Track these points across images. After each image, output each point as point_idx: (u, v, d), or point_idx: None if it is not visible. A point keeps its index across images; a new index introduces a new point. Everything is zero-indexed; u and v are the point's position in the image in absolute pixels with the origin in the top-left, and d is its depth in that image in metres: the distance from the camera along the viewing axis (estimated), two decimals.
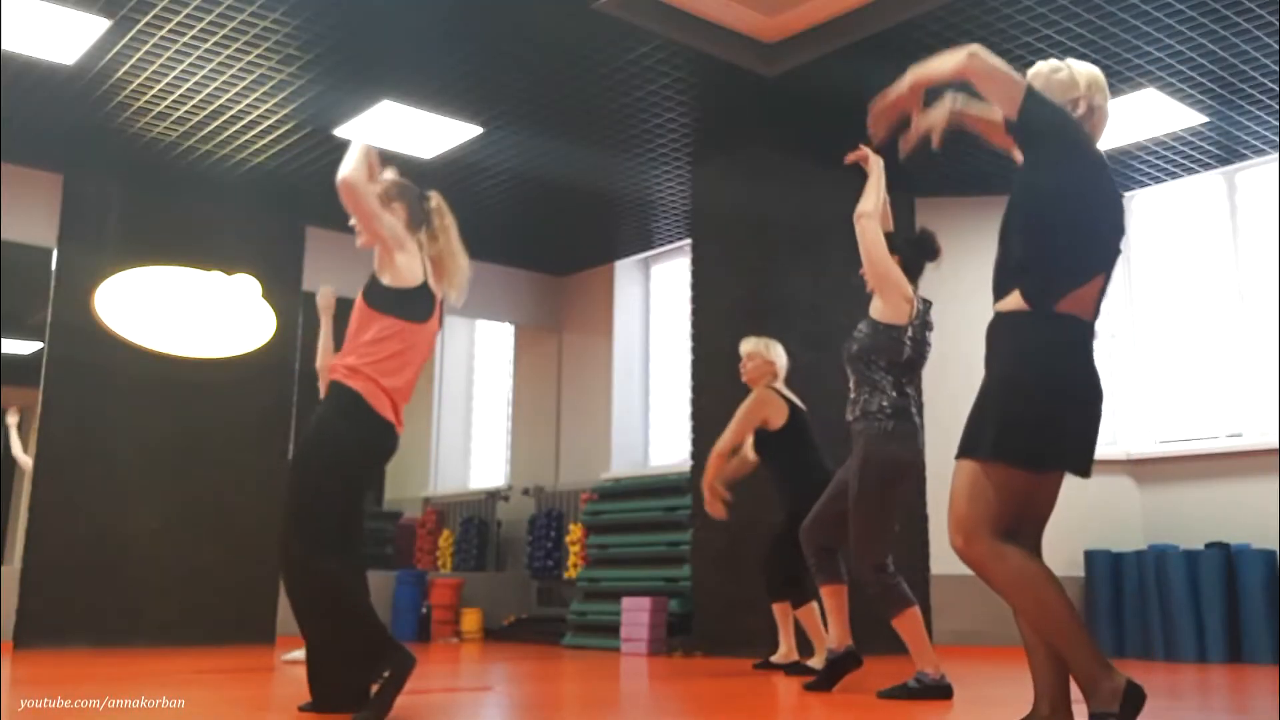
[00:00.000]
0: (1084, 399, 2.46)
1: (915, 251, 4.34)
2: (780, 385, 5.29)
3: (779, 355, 5.31)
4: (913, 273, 4.30)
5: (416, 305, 3.37)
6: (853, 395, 4.23)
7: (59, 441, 6.78)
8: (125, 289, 7.12)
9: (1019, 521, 2.48)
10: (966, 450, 2.47)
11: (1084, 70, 2.69)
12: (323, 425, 3.28)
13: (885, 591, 4.03)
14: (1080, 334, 2.49)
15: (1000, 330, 2.54)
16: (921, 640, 3.98)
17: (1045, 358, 2.44)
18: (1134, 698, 2.29)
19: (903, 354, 4.12)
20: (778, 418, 5.18)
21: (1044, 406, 2.41)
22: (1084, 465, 2.47)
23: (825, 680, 4.32)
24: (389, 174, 3.55)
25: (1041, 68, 2.72)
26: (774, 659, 5.45)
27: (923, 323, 4.20)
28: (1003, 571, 2.39)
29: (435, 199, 3.57)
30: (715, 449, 5.16)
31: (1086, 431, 2.47)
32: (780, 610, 5.35)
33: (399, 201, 3.46)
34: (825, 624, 5.16)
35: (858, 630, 4.52)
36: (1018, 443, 2.40)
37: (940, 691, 3.91)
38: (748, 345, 5.36)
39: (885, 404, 4.11)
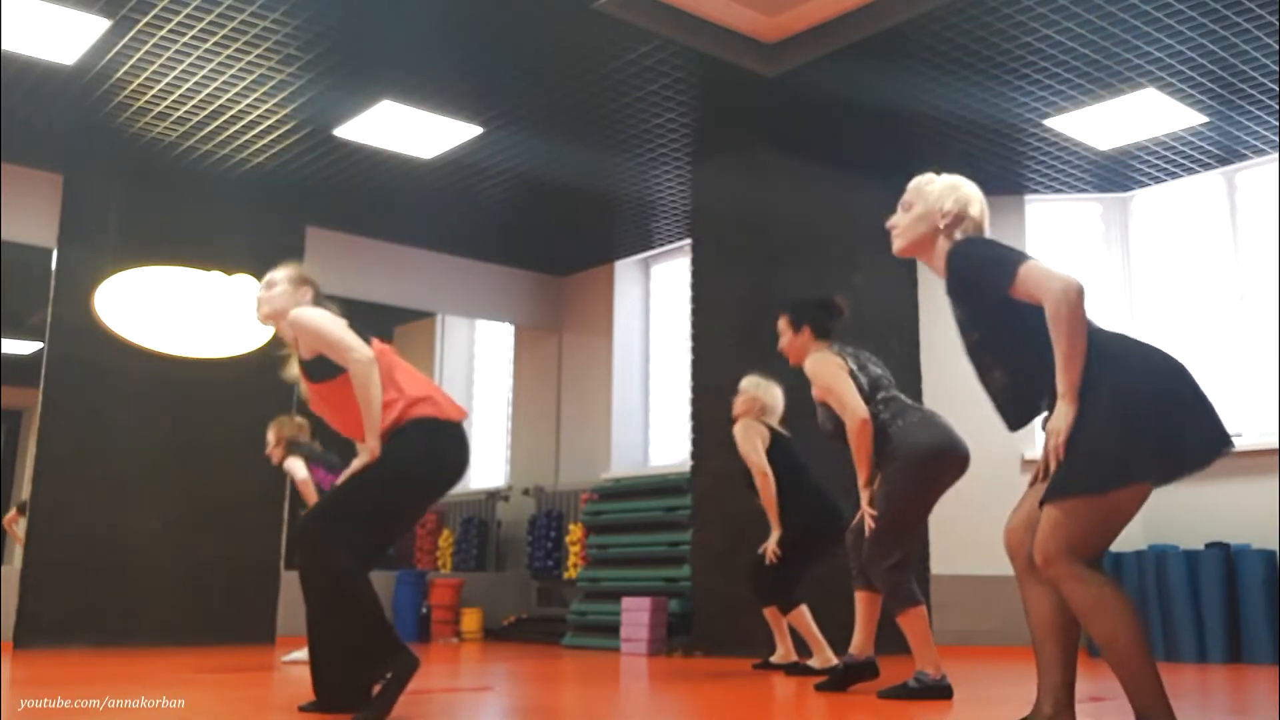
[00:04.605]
0: (1179, 392, 2.41)
1: (824, 314, 4.47)
2: (766, 417, 5.31)
3: (772, 396, 5.36)
4: (828, 331, 4.44)
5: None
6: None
7: (59, 441, 6.78)
8: (125, 289, 7.13)
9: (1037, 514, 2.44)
10: (1064, 492, 2.37)
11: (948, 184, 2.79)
12: (405, 454, 3.22)
13: (894, 588, 4.02)
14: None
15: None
16: (925, 640, 3.97)
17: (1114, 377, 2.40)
18: None
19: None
20: (761, 444, 5.21)
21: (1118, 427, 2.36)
22: (1212, 452, 2.38)
23: (838, 683, 4.31)
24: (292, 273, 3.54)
25: (915, 180, 2.82)
26: (773, 659, 5.45)
27: (855, 363, 4.27)
28: (1080, 593, 2.35)
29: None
30: (765, 497, 5.14)
31: (1195, 419, 2.39)
32: (771, 614, 5.36)
33: (308, 288, 3.49)
34: (813, 629, 5.20)
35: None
36: (1101, 468, 2.34)
37: (940, 692, 3.91)
38: (745, 383, 5.43)
39: (883, 414, 4.16)
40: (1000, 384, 2.61)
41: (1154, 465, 2.36)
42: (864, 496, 4.11)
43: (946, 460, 4.08)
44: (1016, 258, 2.51)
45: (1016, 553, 2.57)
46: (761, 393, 5.35)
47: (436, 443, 3.28)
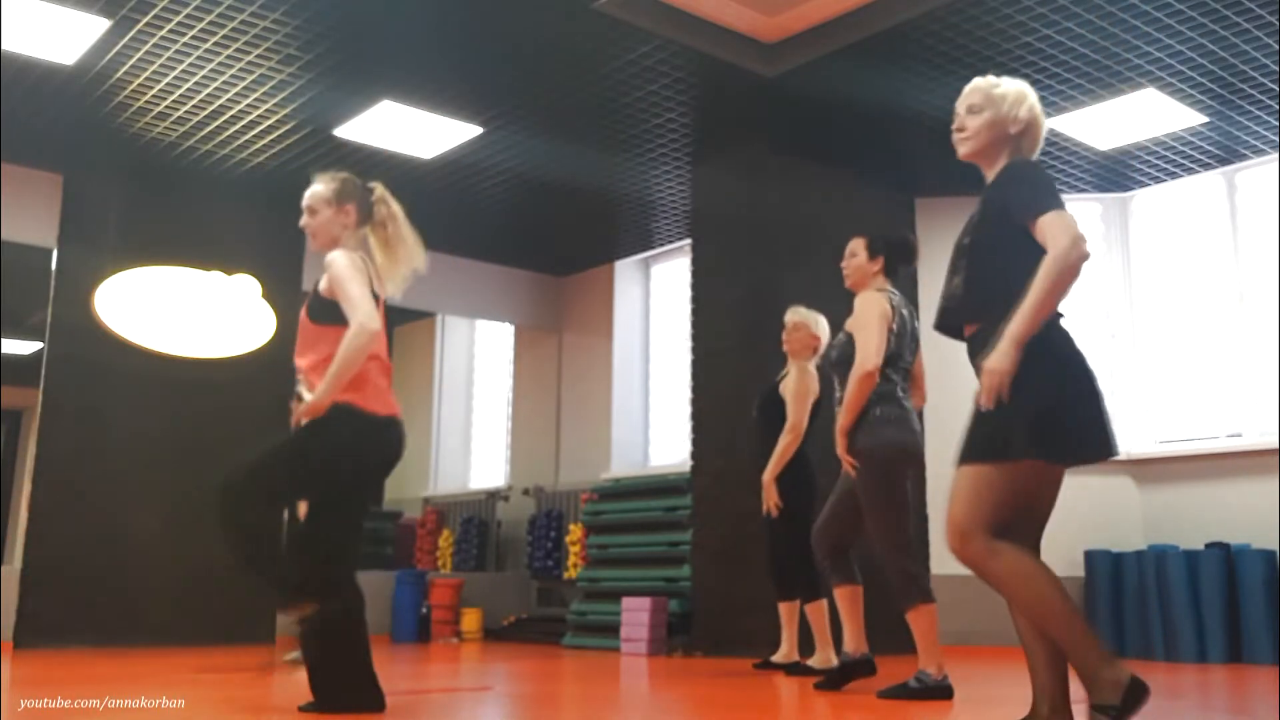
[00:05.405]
0: (1084, 386, 2.46)
1: (900, 254, 4.41)
2: (813, 365, 5.25)
3: (824, 332, 5.26)
4: (895, 272, 4.39)
5: None
6: (838, 395, 4.28)
7: (59, 441, 6.78)
8: (125, 289, 7.12)
9: (1019, 521, 2.50)
10: (969, 456, 2.47)
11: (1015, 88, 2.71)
12: (324, 447, 3.25)
13: (908, 583, 4.00)
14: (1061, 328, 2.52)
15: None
16: (930, 639, 3.95)
17: (1043, 354, 2.43)
18: (1136, 691, 2.28)
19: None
20: (811, 396, 5.17)
21: (1051, 400, 2.41)
22: (1099, 452, 2.45)
23: (835, 682, 4.30)
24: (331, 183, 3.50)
25: (980, 83, 2.72)
26: (775, 658, 5.44)
27: (900, 325, 4.22)
28: (999, 568, 2.41)
29: (379, 189, 3.55)
30: (783, 448, 5.08)
31: (1094, 417, 2.45)
32: (787, 609, 5.34)
33: (351, 202, 3.46)
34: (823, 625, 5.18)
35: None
36: (1035, 438, 2.40)
37: (941, 692, 3.90)
38: (796, 315, 5.30)
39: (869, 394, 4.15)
40: (953, 290, 2.63)
41: (1070, 448, 2.44)
42: (841, 443, 4.13)
43: (909, 460, 4.14)
44: (1059, 201, 2.50)
45: None
46: (817, 328, 5.24)
47: (351, 437, 3.23)
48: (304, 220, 3.47)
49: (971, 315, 2.58)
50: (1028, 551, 2.45)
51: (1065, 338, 2.49)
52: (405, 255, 3.50)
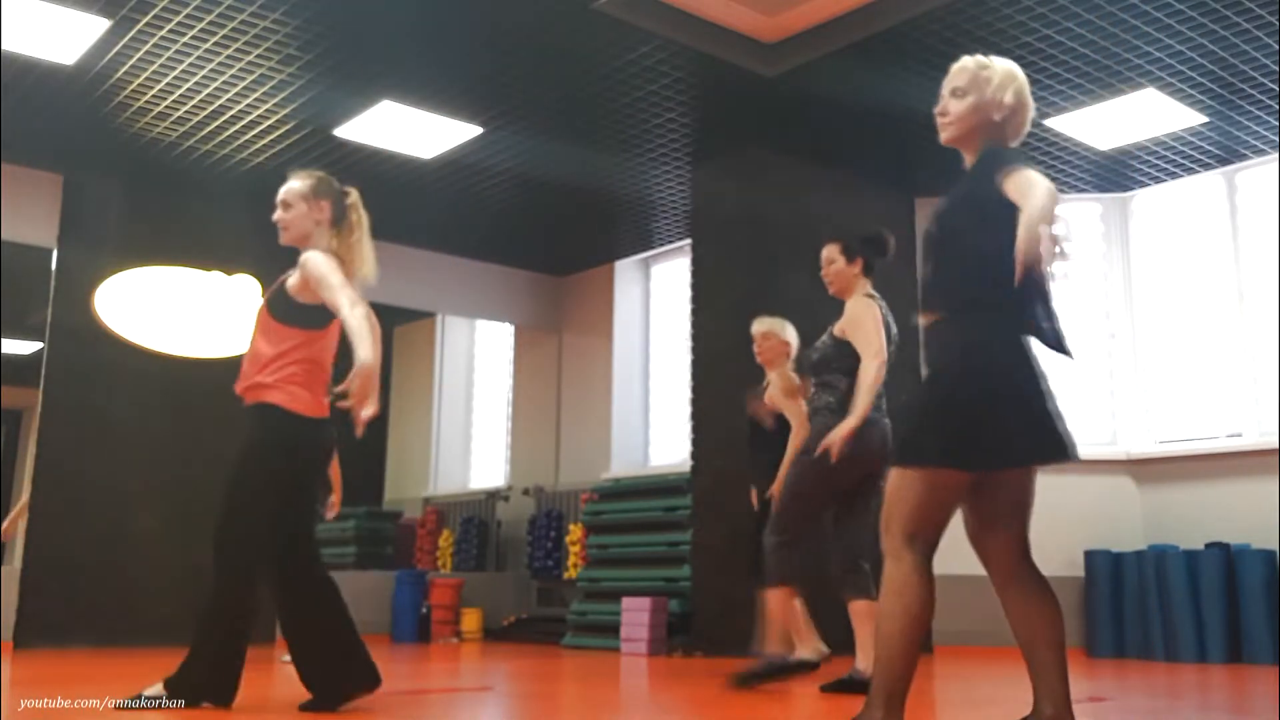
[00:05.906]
0: (1013, 389, 2.37)
1: (875, 251, 4.41)
2: (790, 369, 5.23)
3: (793, 336, 5.25)
4: (868, 271, 4.40)
5: (319, 315, 3.41)
6: (815, 395, 4.31)
7: (59, 442, 6.77)
8: (125, 289, 7.13)
9: (997, 521, 2.47)
10: (894, 458, 2.47)
11: (1004, 67, 2.58)
12: (252, 449, 3.37)
13: (777, 563, 4.13)
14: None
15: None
16: (777, 622, 4.17)
17: (961, 359, 2.40)
18: None
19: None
20: (801, 394, 5.16)
21: (966, 407, 2.35)
22: (1027, 458, 2.38)
23: (841, 689, 4.29)
24: (307, 180, 3.54)
25: (968, 63, 2.60)
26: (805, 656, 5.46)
27: (885, 333, 4.21)
28: (891, 570, 2.41)
29: (353, 195, 3.59)
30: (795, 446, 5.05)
31: (1025, 422, 2.36)
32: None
33: (326, 200, 3.51)
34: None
35: (843, 628, 4.47)
36: (945, 445, 2.36)
37: (793, 668, 4.18)
38: (763, 325, 5.27)
39: (831, 399, 4.18)
40: (924, 277, 2.57)
41: (988, 456, 2.35)
42: (845, 446, 3.99)
43: (852, 459, 4.04)
44: (1026, 162, 2.39)
45: (987, 561, 2.55)
46: (785, 333, 5.19)
47: (279, 437, 3.33)
48: (277, 214, 3.53)
49: (939, 303, 2.50)
50: (924, 575, 2.39)
51: (1004, 341, 2.39)
52: (359, 265, 3.54)
